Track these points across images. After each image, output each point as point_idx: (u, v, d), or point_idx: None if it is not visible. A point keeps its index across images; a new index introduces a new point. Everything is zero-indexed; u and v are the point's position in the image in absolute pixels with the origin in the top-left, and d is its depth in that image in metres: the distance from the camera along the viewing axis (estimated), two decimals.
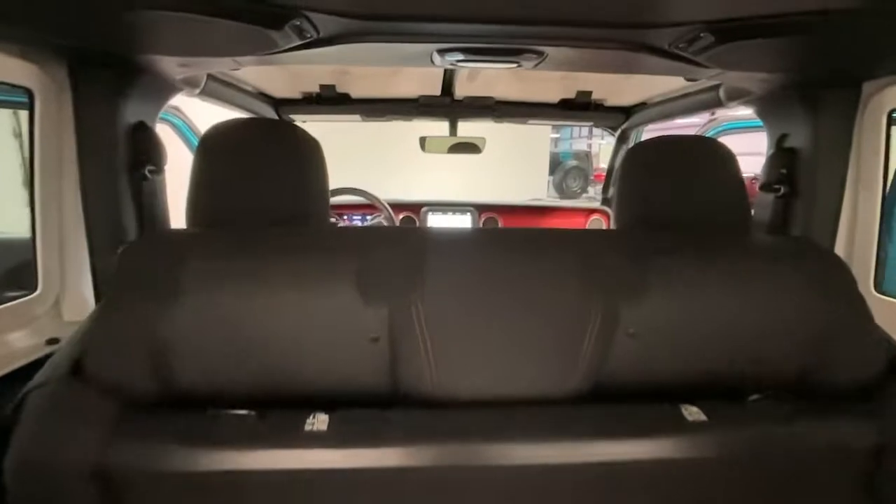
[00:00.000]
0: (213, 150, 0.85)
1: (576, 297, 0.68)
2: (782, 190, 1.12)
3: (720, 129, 1.92)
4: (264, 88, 1.69)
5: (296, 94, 1.77)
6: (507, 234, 0.80)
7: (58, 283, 1.00)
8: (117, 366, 0.61)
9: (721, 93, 1.25)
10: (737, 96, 1.20)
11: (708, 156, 0.93)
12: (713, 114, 2.46)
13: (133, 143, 1.03)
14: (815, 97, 1.02)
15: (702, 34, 0.69)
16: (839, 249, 1.10)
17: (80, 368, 0.60)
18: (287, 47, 0.76)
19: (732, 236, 0.84)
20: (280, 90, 1.73)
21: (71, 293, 1.02)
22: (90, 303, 1.03)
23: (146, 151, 1.04)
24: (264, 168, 0.82)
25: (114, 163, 0.99)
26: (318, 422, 0.59)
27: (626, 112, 1.87)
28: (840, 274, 0.73)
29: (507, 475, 0.60)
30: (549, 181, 7.94)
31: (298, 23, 0.66)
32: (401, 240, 0.73)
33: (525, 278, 0.69)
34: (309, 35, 0.72)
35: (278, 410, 0.61)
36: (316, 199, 0.84)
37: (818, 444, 0.64)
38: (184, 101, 1.76)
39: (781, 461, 0.64)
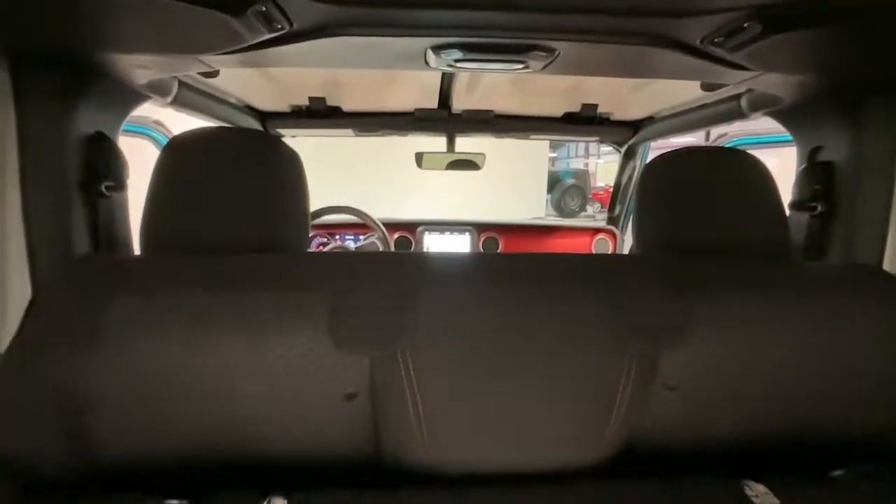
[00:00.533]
0: (175, 161, 0.73)
1: (603, 343, 0.55)
2: (819, 208, 1.00)
3: (737, 142, 1.83)
4: (250, 101, 1.59)
5: (284, 108, 1.67)
6: (515, 262, 0.67)
7: None
8: (18, 433, 0.48)
9: (743, 102, 1.15)
10: (763, 105, 1.09)
11: (741, 170, 0.82)
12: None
13: (88, 157, 0.90)
14: (859, 104, 0.91)
15: (746, 24, 0.58)
16: None
17: None
18: (255, 41, 0.65)
19: (779, 264, 0.72)
20: (267, 103, 1.63)
21: (9, 327, 0.88)
22: None
23: (105, 166, 0.92)
24: (233, 184, 0.70)
25: (63, 179, 0.87)
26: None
27: (634, 127, 1.77)
28: None
29: None
30: (546, 199, 7.90)
31: (264, 8, 0.55)
32: (387, 269, 0.60)
33: (540, 319, 0.56)
34: (279, 26, 0.61)
35: (226, 494, 0.47)
36: (292, 221, 0.72)
37: None
38: (170, 117, 1.65)
39: None
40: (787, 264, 0.76)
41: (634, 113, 1.68)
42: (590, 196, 9.84)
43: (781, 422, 0.54)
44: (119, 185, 0.95)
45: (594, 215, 9.15)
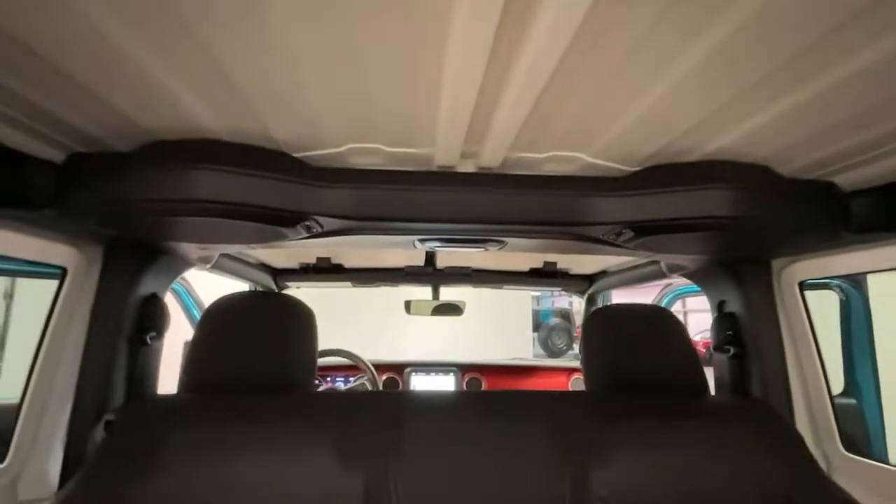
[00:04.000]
0: (214, 321, 0.96)
1: (548, 464, 0.72)
2: (732, 350, 1.23)
3: (679, 291, 2.14)
4: (266, 261, 1.89)
5: (294, 265, 1.97)
6: (482, 398, 0.86)
7: (26, 457, 0.98)
8: None
9: (662, 266, 1.47)
10: (675, 270, 1.40)
11: (662, 323, 1.07)
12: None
13: (142, 312, 1.13)
14: (739, 271, 1.21)
15: (622, 231, 0.89)
16: (798, 408, 1.17)
17: None
18: (295, 238, 0.94)
19: (692, 398, 0.92)
20: (280, 262, 1.93)
21: (32, 468, 0.99)
22: (50, 480, 1.00)
23: (152, 320, 1.14)
24: (258, 339, 0.92)
25: (120, 329, 1.08)
26: None
27: (590, 279, 2.09)
28: (793, 439, 0.80)
29: None
30: (533, 338, 8.07)
31: (308, 223, 0.84)
32: (378, 406, 0.79)
33: (500, 445, 0.74)
34: (315, 230, 0.90)
35: None
36: (303, 366, 0.93)
37: None
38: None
39: None
40: (697, 398, 0.95)
41: (588, 269, 2.01)
42: (575, 334, 10.03)
43: None
44: (159, 335, 1.16)
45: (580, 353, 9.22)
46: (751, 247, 1.03)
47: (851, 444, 1.79)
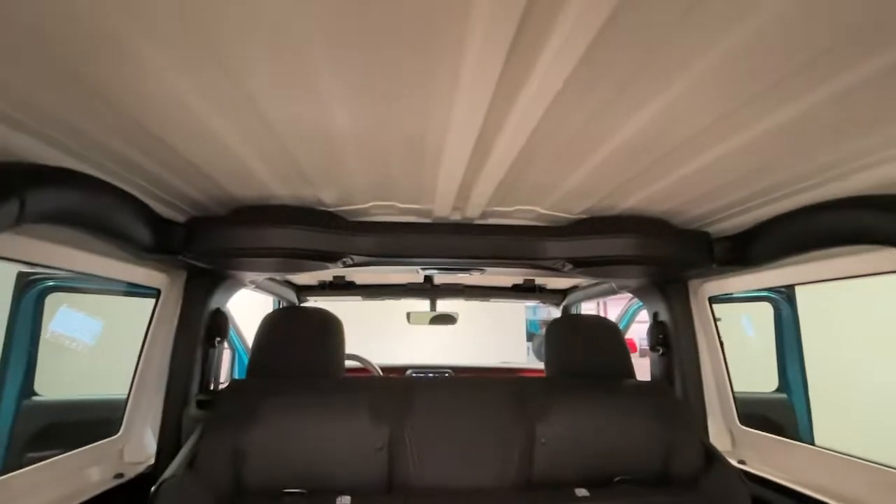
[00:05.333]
0: (272, 326, 1.33)
1: (507, 420, 1.09)
2: (661, 350, 1.61)
3: (640, 304, 2.53)
4: (291, 280, 2.26)
5: (314, 282, 2.34)
6: (468, 380, 1.24)
7: (132, 431, 1.34)
8: (209, 467, 0.97)
9: (613, 284, 1.85)
10: (623, 287, 1.78)
11: (601, 329, 1.45)
12: None
13: (211, 322, 1.50)
14: (665, 289, 1.59)
15: (565, 263, 1.26)
16: (709, 394, 1.54)
17: (193, 464, 0.95)
18: (333, 268, 1.31)
19: (615, 381, 1.29)
20: (302, 280, 2.30)
21: (135, 439, 1.35)
22: (147, 448, 1.35)
23: (219, 328, 1.51)
24: (304, 339, 1.29)
25: (197, 336, 1.45)
26: (344, 500, 0.93)
27: (563, 293, 2.47)
28: (679, 407, 1.17)
29: None
30: (528, 347, 8.39)
31: (345, 259, 1.21)
32: (395, 384, 1.16)
33: (478, 408, 1.12)
34: (349, 264, 1.28)
35: (318, 494, 0.95)
36: (335, 362, 1.30)
37: None
38: None
39: None
40: (620, 381, 1.33)
41: (562, 284, 2.39)
42: None
43: (597, 459, 1.05)
44: (223, 339, 1.53)
45: None
46: (653, 275, 1.41)
47: (781, 430, 2.20)
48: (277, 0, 0.44)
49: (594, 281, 2.01)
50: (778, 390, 2.61)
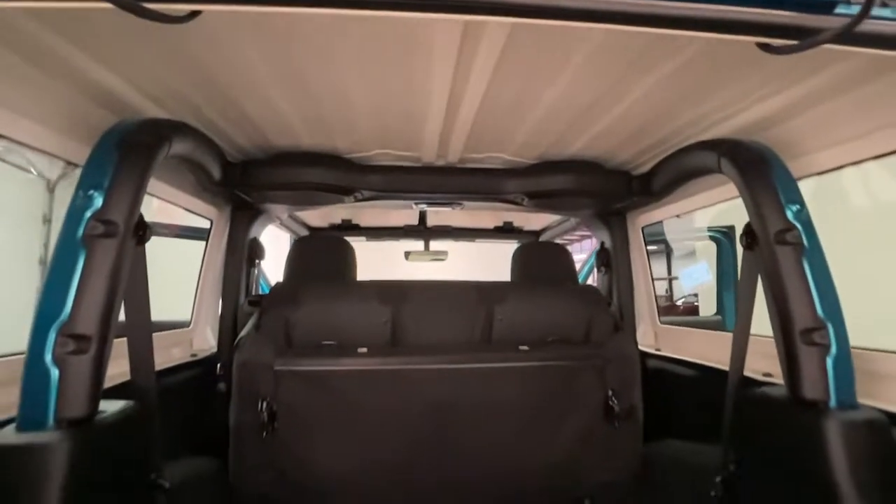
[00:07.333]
0: (300, 249, 1.75)
1: (473, 305, 1.54)
2: (605, 271, 2.05)
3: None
4: (307, 222, 2.67)
5: (325, 224, 2.76)
6: (447, 282, 1.68)
7: (197, 326, 1.79)
8: (270, 330, 1.41)
9: (572, 222, 2.27)
10: (581, 220, 2.20)
11: (554, 252, 1.89)
12: None
13: (251, 248, 1.92)
14: (609, 220, 2.01)
15: (523, 197, 1.67)
16: (640, 303, 1.99)
17: (259, 329, 1.40)
18: (348, 202, 1.71)
19: (559, 285, 1.74)
20: (316, 222, 2.71)
21: (200, 331, 1.80)
22: (209, 340, 1.81)
23: (257, 252, 1.94)
24: (328, 259, 1.72)
25: (242, 257, 1.88)
26: (362, 351, 1.38)
27: (538, 234, 2.89)
28: (598, 298, 1.62)
29: (445, 374, 1.38)
30: None
31: (357, 193, 1.62)
32: (397, 283, 1.59)
33: (453, 299, 1.56)
34: (359, 197, 1.68)
35: (344, 346, 1.40)
36: (347, 273, 1.73)
37: (575, 358, 1.44)
38: None
39: (552, 372, 1.42)
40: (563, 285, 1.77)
41: (537, 225, 2.81)
42: None
43: (535, 330, 1.51)
44: (261, 260, 1.96)
45: None
46: (590, 206, 1.83)
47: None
48: (330, 23, 0.80)
49: (559, 220, 2.43)
50: (717, 313, 3.10)
